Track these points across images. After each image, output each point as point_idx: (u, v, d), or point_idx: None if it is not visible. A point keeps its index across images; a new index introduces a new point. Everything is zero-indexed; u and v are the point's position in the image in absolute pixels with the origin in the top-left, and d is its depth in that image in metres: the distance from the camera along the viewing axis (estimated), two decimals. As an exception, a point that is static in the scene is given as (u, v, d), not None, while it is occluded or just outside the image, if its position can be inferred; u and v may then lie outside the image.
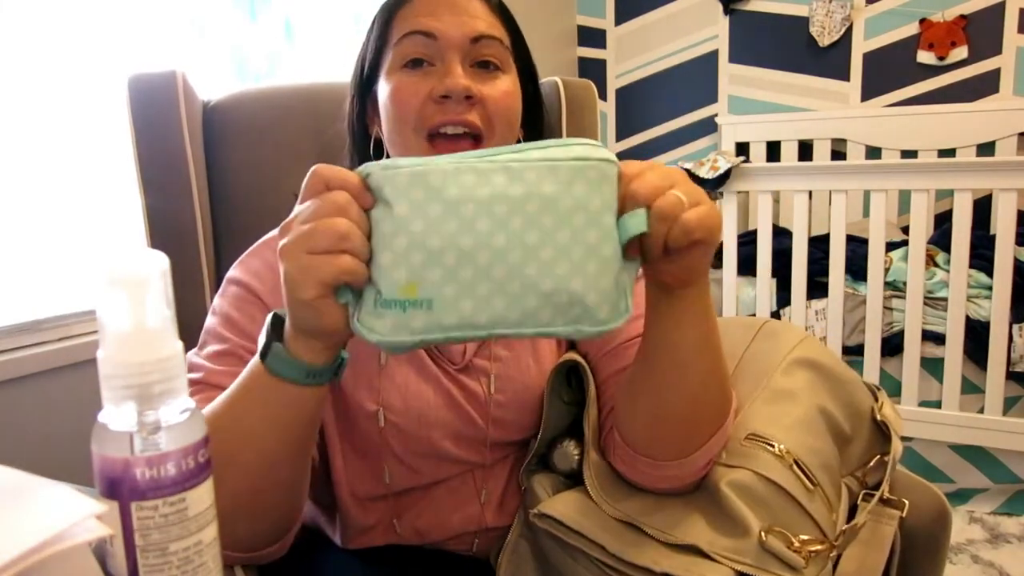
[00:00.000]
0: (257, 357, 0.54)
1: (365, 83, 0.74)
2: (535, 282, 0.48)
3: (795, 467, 0.62)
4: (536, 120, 0.78)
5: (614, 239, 0.50)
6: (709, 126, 3.17)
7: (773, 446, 0.63)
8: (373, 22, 0.74)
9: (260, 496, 0.58)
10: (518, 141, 0.75)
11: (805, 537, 0.59)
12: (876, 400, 0.75)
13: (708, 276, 0.57)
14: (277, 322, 0.55)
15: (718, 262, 2.40)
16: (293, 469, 0.60)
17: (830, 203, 2.20)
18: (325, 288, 0.48)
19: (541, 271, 0.48)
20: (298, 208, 0.50)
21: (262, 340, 0.54)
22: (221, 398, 0.57)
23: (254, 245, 0.76)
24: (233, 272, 0.73)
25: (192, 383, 0.67)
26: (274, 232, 0.77)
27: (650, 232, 0.50)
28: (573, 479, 0.71)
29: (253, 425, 0.55)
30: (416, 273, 0.47)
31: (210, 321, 0.71)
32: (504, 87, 0.70)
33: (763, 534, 0.59)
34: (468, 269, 0.48)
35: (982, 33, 2.69)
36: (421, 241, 0.47)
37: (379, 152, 0.75)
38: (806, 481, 0.62)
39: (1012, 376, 2.04)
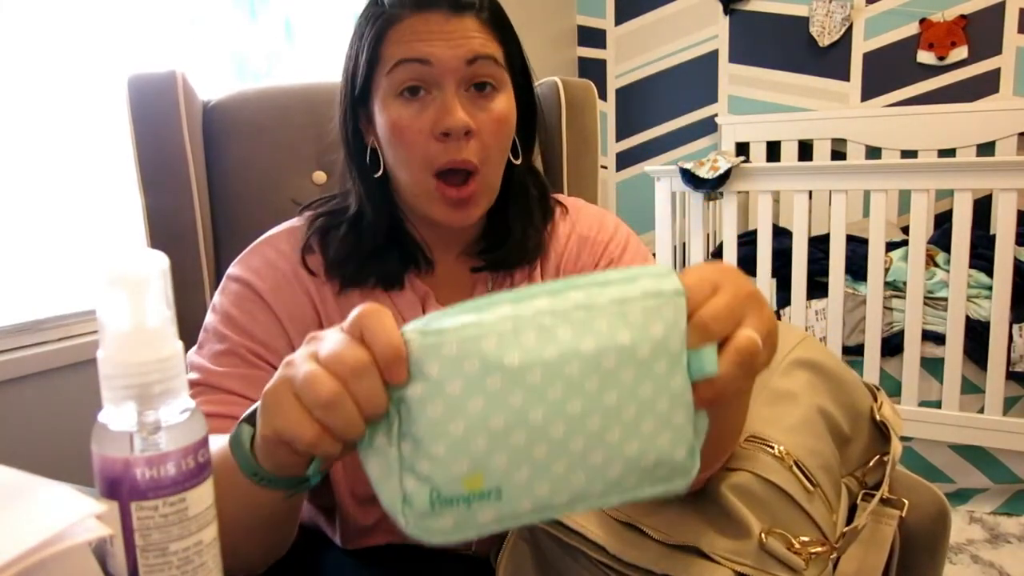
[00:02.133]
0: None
1: (358, 97, 0.73)
2: (619, 448, 0.41)
3: (795, 468, 0.62)
4: (531, 125, 0.78)
5: (689, 380, 0.43)
6: (709, 126, 3.17)
7: (773, 448, 0.63)
8: (361, 35, 0.71)
9: (232, 549, 0.54)
10: (513, 146, 0.75)
11: (805, 538, 0.59)
12: (875, 400, 0.75)
13: None
14: None
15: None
16: (267, 536, 0.55)
17: (830, 203, 2.20)
18: (282, 440, 0.42)
19: (625, 434, 0.41)
20: (326, 334, 0.43)
21: (245, 416, 0.48)
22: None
23: (255, 242, 0.76)
24: (233, 269, 0.73)
25: (191, 384, 0.67)
26: (275, 229, 0.77)
27: (719, 375, 0.42)
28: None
29: (219, 486, 0.48)
30: (480, 461, 0.39)
31: (209, 319, 0.71)
32: (499, 110, 0.70)
33: (763, 535, 0.59)
34: (542, 446, 0.40)
35: (982, 33, 2.69)
36: (482, 422, 0.39)
37: (375, 161, 0.74)
38: (806, 482, 0.62)
39: (1012, 376, 2.04)
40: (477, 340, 0.39)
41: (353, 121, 0.75)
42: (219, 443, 0.50)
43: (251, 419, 0.47)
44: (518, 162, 0.76)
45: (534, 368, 0.39)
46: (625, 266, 0.71)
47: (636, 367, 0.41)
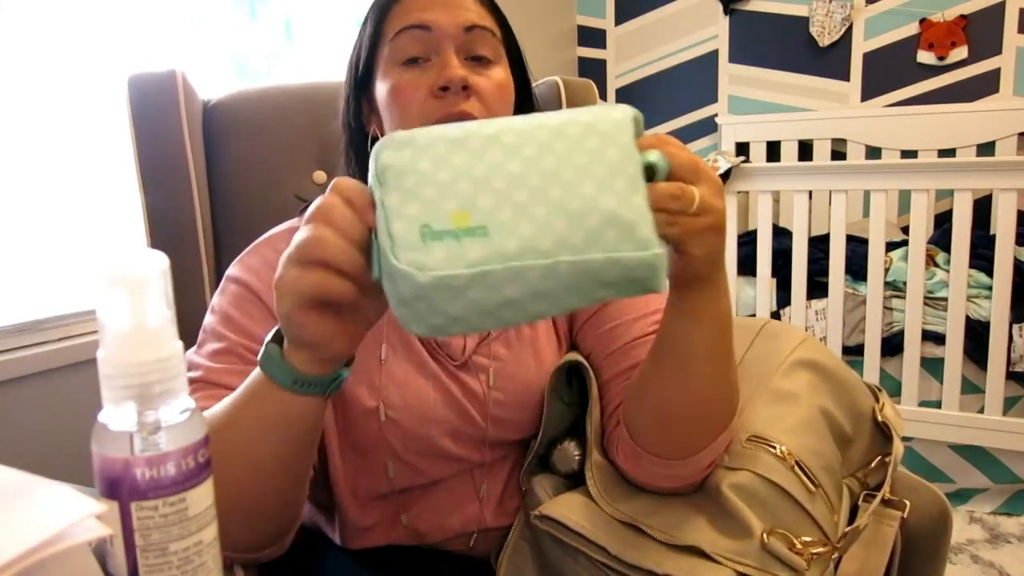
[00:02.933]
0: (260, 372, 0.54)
1: (360, 81, 0.75)
2: (594, 199, 0.45)
3: (797, 468, 0.62)
4: (528, 112, 0.79)
5: (640, 166, 0.48)
6: (709, 126, 3.17)
7: (775, 447, 0.63)
8: (366, 20, 0.75)
9: (255, 502, 0.57)
10: None
11: (807, 539, 0.59)
12: (877, 401, 0.75)
13: (724, 279, 0.57)
14: None
15: (718, 262, 2.40)
16: (288, 479, 0.59)
17: (830, 203, 2.20)
18: (300, 302, 0.47)
19: (598, 187, 0.46)
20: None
21: (267, 339, 0.53)
22: (224, 401, 0.57)
23: (254, 243, 0.76)
24: (232, 270, 0.73)
25: (191, 382, 0.67)
26: (274, 230, 0.77)
27: (662, 170, 0.49)
28: (573, 480, 0.71)
29: (248, 429, 0.54)
30: (466, 200, 0.44)
31: (209, 320, 0.71)
32: (498, 78, 0.71)
33: (765, 536, 0.59)
34: (522, 191, 0.45)
35: (982, 33, 2.69)
36: (466, 171, 0.45)
37: None
38: (808, 483, 0.62)
39: (1012, 376, 2.04)
40: (458, 127, 0.47)
41: (356, 107, 0.76)
42: (236, 392, 0.56)
43: (274, 341, 0.53)
44: None
45: (507, 132, 0.46)
46: None
47: (598, 136, 0.47)
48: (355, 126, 0.76)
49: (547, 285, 0.45)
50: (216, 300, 0.72)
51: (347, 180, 0.48)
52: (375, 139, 0.75)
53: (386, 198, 0.45)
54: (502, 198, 0.44)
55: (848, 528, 0.63)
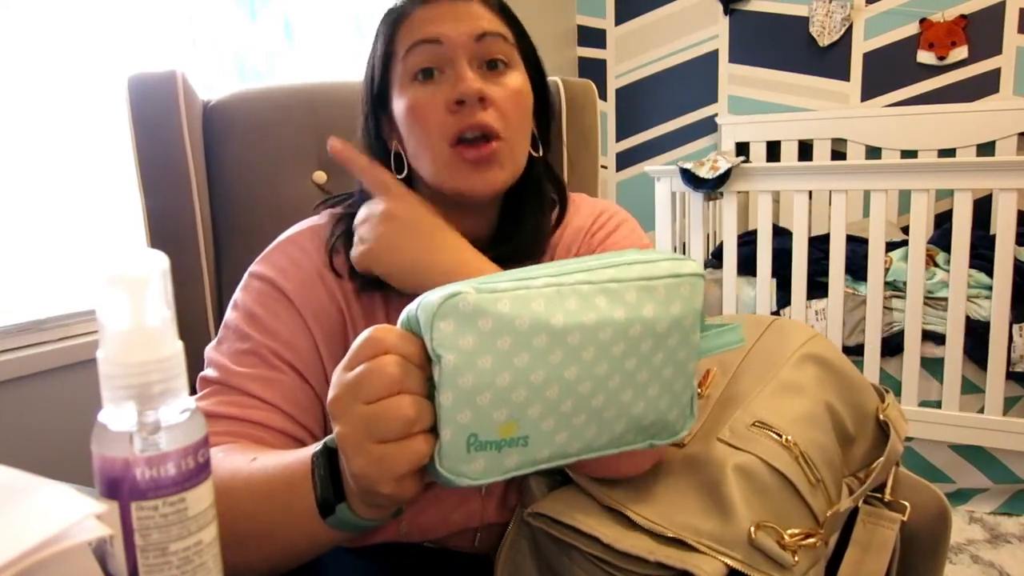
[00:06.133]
0: (314, 506, 0.51)
1: (377, 99, 0.74)
2: (628, 407, 0.47)
3: (801, 459, 0.62)
4: (545, 113, 0.79)
5: (697, 354, 0.50)
6: (709, 126, 3.17)
7: (780, 436, 0.63)
8: (376, 38, 0.74)
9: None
10: (533, 135, 0.76)
11: (795, 530, 0.59)
12: (883, 401, 0.75)
13: None
14: (333, 459, 0.50)
15: (718, 262, 2.41)
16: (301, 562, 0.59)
17: (830, 203, 2.20)
18: (407, 472, 0.44)
19: (635, 395, 0.47)
20: (343, 375, 0.45)
21: (319, 486, 0.50)
22: (256, 483, 0.54)
23: (277, 240, 0.75)
24: (257, 267, 0.73)
25: (211, 381, 0.67)
26: (297, 228, 0.76)
27: None
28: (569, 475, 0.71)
29: (284, 543, 0.54)
30: (517, 411, 0.43)
31: (231, 316, 0.71)
32: (514, 85, 0.71)
33: (753, 530, 0.58)
34: (569, 401, 0.45)
35: (982, 33, 2.69)
36: (525, 376, 0.43)
37: (400, 165, 0.75)
38: (810, 474, 0.62)
39: (1012, 376, 2.04)
40: (528, 300, 0.43)
41: (376, 127, 0.75)
42: (275, 471, 0.53)
43: (324, 509, 0.50)
44: (538, 155, 0.77)
45: (575, 331, 0.44)
46: (613, 248, 0.78)
47: (654, 338, 0.47)
48: (376, 144, 0.76)
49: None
50: (239, 296, 0.72)
51: (393, 337, 0.44)
52: (398, 156, 0.74)
53: (440, 394, 0.42)
54: (550, 407, 0.44)
55: (830, 512, 0.63)
